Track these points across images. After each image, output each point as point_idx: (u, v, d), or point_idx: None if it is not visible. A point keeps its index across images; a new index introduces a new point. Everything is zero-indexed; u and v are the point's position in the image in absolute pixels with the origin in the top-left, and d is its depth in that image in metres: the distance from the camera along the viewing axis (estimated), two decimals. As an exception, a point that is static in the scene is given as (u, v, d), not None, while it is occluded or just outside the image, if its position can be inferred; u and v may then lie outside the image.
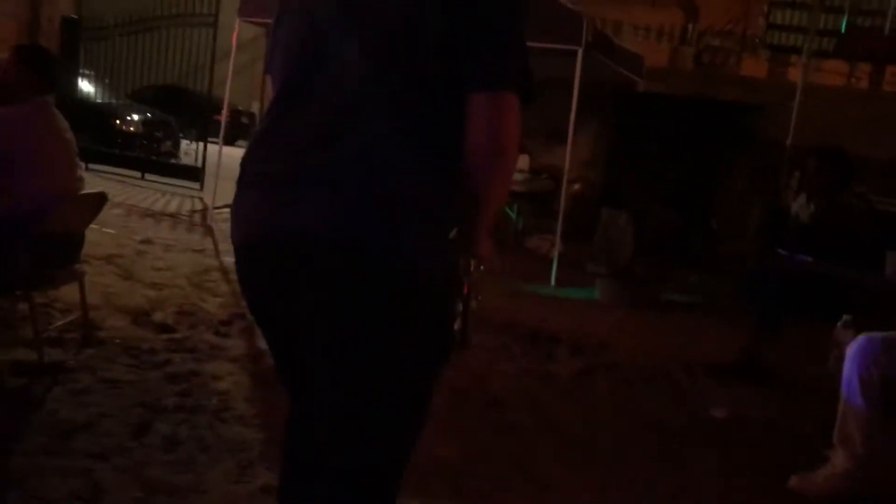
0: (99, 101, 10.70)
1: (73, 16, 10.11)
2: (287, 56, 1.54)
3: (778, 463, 3.16)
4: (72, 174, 3.40)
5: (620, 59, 7.60)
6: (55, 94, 3.40)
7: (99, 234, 5.49)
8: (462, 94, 1.40)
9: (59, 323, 3.66)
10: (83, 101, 10.28)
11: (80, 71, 10.28)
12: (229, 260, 5.65)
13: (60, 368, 3.25)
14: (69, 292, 3.78)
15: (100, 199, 3.52)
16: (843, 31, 8.40)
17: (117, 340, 3.66)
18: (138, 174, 9.41)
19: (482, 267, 1.54)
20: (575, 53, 6.03)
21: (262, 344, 3.83)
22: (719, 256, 6.97)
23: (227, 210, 5.74)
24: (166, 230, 6.67)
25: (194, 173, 9.22)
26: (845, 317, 3.27)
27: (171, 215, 7.43)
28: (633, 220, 6.70)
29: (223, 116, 7.60)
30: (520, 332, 4.63)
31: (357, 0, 1.45)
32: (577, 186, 7.91)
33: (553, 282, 6.08)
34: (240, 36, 7.19)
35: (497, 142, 1.39)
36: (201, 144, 9.27)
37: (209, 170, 8.72)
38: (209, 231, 6.84)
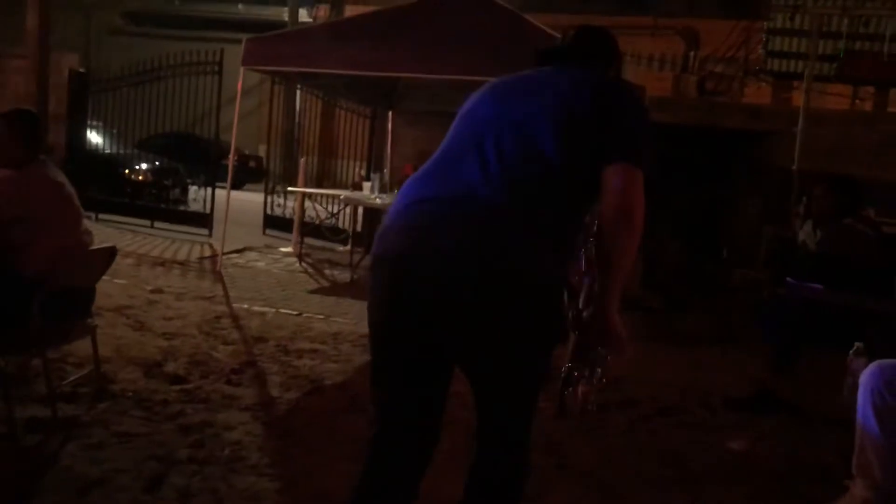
0: (108, 151, 10.84)
1: (80, 69, 10.29)
2: (453, 131, 2.00)
3: (798, 494, 3.12)
4: (77, 229, 3.44)
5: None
6: (62, 148, 3.47)
7: (110, 286, 5.52)
8: (589, 178, 1.82)
9: (73, 378, 3.67)
10: (92, 153, 10.41)
11: (89, 122, 10.43)
12: (239, 306, 5.71)
13: (74, 424, 3.25)
14: (82, 346, 3.80)
15: (110, 254, 3.55)
16: (841, 55, 8.44)
17: (130, 393, 3.66)
18: (148, 223, 9.49)
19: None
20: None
21: (275, 391, 3.84)
22: (731, 285, 6.93)
23: (236, 255, 5.73)
24: (177, 278, 6.71)
25: (203, 220, 9.29)
26: (857, 344, 3.24)
27: (182, 263, 7.47)
28: (643, 250, 6.69)
29: (230, 161, 7.68)
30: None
31: (532, 95, 1.94)
32: (586, 219, 7.92)
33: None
34: (245, 82, 7.29)
35: (626, 203, 1.78)
36: (209, 190, 9.36)
37: (218, 215, 8.79)
38: (219, 277, 6.87)
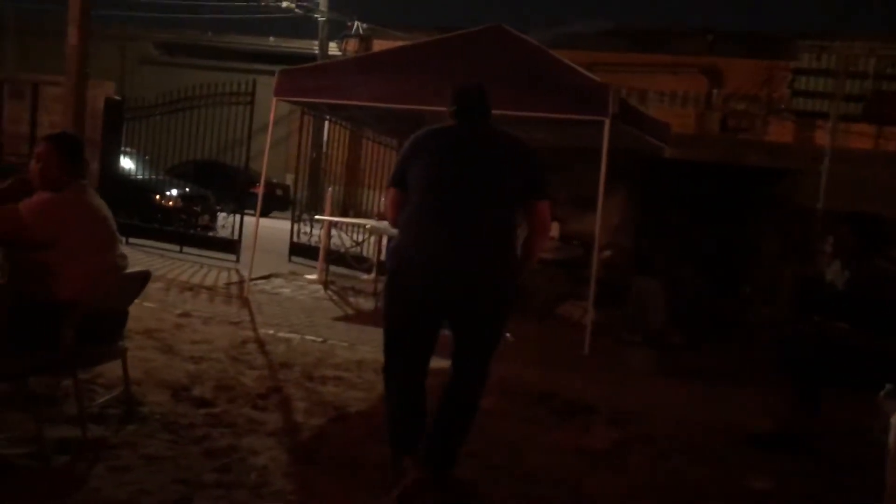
0: (139, 177, 11.05)
1: (116, 97, 10.54)
2: (433, 185, 3.08)
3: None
4: (112, 252, 3.50)
5: (647, 127, 7.71)
6: (95, 173, 3.53)
7: (140, 309, 5.60)
8: (517, 207, 3.15)
9: (102, 399, 3.74)
10: (125, 178, 10.62)
11: (122, 149, 10.65)
12: (265, 332, 5.78)
13: (103, 445, 3.30)
14: (111, 367, 3.87)
15: (143, 278, 3.63)
16: (869, 95, 8.46)
17: (158, 416, 3.71)
18: (177, 247, 9.63)
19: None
20: (602, 123, 6.15)
21: (299, 418, 3.88)
22: (752, 323, 6.90)
23: (263, 282, 5.83)
24: (204, 303, 6.80)
25: (231, 246, 9.41)
26: (888, 386, 3.22)
27: (209, 288, 7.56)
28: (665, 286, 6.68)
29: (260, 189, 7.80)
30: (554, 402, 4.61)
31: (471, 157, 3.14)
32: (607, 253, 7.92)
33: (586, 349, 6.05)
34: (275, 112, 7.44)
35: (546, 224, 3.25)
36: (237, 217, 9.50)
37: (245, 242, 8.91)
38: (246, 303, 6.95)
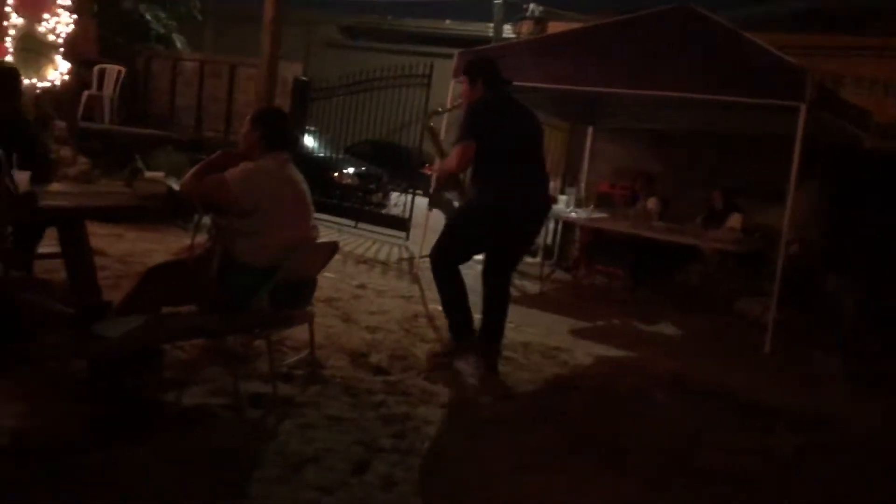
0: (321, 154, 11.61)
1: (303, 77, 11.11)
2: (511, 144, 4.22)
3: None
4: (308, 223, 3.70)
5: (846, 114, 7.13)
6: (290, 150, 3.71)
7: (321, 278, 5.85)
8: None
9: (290, 360, 3.98)
10: (307, 155, 11.21)
11: (306, 127, 11.24)
12: (434, 307, 5.90)
13: (290, 403, 3.52)
14: (297, 330, 4.10)
15: (332, 249, 3.81)
16: None
17: (338, 379, 3.91)
18: (352, 223, 10.06)
19: None
20: (798, 110, 5.74)
21: (469, 393, 3.94)
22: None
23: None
24: (378, 276, 7.06)
25: (402, 224, 9.71)
26: None
27: (382, 262, 7.85)
28: (861, 287, 6.17)
29: (433, 170, 7.96)
30: (732, 400, 4.40)
31: (528, 128, 4.39)
32: (794, 248, 7.43)
33: (767, 348, 5.72)
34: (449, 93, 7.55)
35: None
36: (409, 196, 9.77)
37: (415, 220, 9.16)
38: (416, 279, 7.15)
